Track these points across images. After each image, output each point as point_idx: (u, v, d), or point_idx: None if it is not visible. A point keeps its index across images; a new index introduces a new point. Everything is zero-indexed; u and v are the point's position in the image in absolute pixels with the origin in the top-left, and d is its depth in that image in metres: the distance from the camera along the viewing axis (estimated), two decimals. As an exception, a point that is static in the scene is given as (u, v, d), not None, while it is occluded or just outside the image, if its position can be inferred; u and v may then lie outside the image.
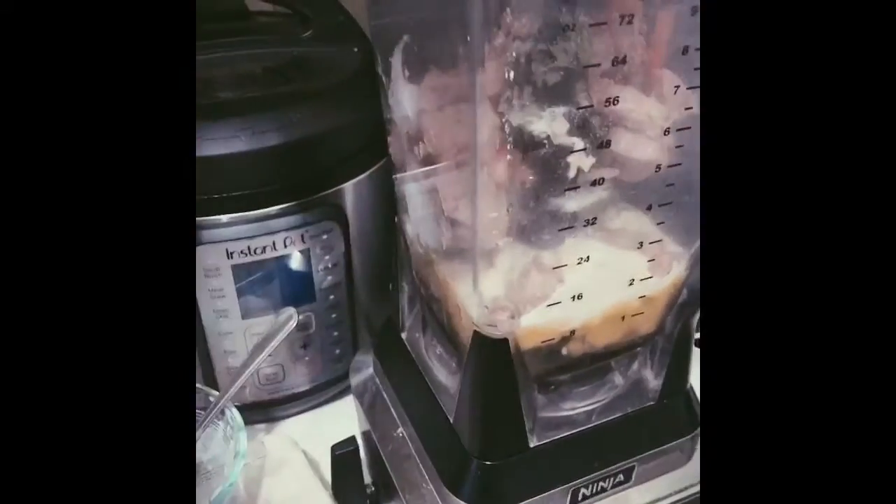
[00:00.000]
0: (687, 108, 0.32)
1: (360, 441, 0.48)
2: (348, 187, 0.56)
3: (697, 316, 0.39)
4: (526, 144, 0.30)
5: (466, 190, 0.32)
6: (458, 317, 0.38)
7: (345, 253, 0.56)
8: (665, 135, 0.32)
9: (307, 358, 0.59)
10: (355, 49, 0.58)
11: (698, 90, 0.31)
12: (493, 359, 0.36)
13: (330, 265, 0.56)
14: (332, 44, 0.60)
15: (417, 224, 0.41)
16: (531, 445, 0.38)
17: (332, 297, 0.57)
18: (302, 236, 0.53)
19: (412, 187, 0.40)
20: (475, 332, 0.35)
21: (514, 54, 0.28)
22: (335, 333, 0.59)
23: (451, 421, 0.40)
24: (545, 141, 0.30)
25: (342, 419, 0.57)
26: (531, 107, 0.29)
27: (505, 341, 0.35)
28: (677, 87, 0.31)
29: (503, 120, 0.29)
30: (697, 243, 0.37)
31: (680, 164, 0.33)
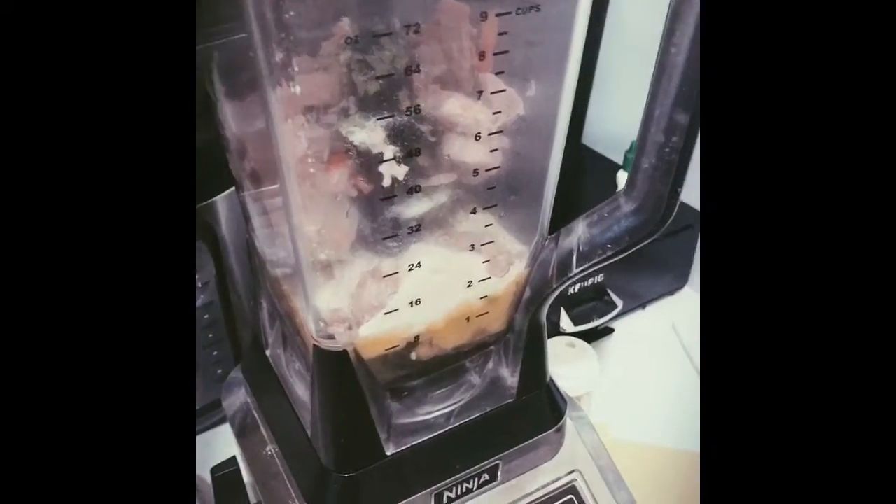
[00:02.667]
0: (508, 112, 0.32)
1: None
2: (220, 200, 0.55)
3: (545, 310, 0.40)
4: (333, 155, 0.29)
5: (284, 206, 0.31)
6: (303, 331, 0.37)
7: (217, 271, 0.55)
8: (490, 136, 0.32)
9: (187, 380, 0.57)
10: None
11: (521, 94, 0.31)
12: (334, 371, 0.35)
13: (200, 284, 0.54)
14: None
15: (262, 240, 0.40)
16: (389, 453, 0.38)
17: (206, 316, 0.56)
18: (164, 257, 0.51)
19: (251, 205, 0.39)
20: (314, 345, 0.35)
21: (324, 64, 0.27)
22: (214, 353, 0.58)
23: (310, 436, 0.40)
24: (354, 151, 0.30)
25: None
26: (352, 117, 0.29)
27: (344, 353, 0.35)
28: (502, 90, 0.32)
29: (306, 134, 0.28)
30: (535, 239, 0.37)
31: (499, 167, 0.33)
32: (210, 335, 0.57)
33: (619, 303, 0.66)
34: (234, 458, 0.49)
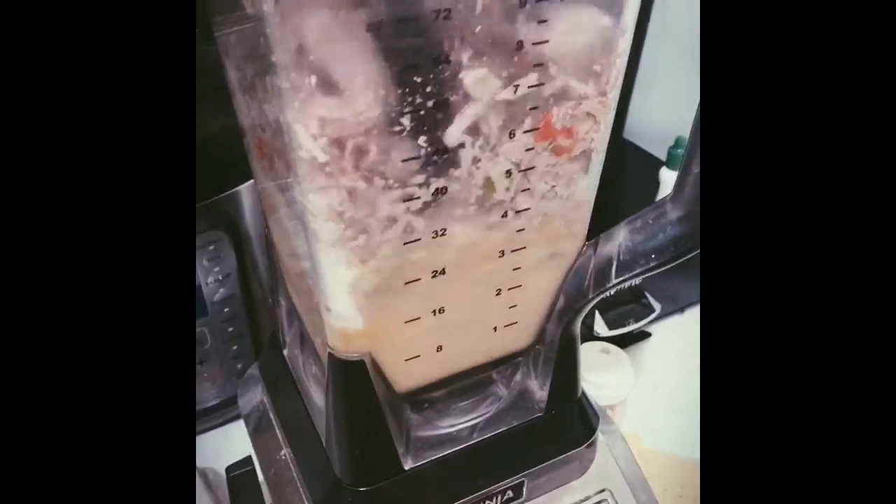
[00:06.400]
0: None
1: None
2: (244, 190, 0.53)
3: (579, 321, 0.37)
4: (347, 151, 0.27)
5: (299, 202, 0.29)
6: (318, 336, 0.35)
7: (238, 263, 0.53)
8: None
9: (205, 374, 0.56)
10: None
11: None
12: (350, 381, 0.33)
13: (220, 277, 0.53)
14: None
15: (279, 236, 0.38)
16: (407, 468, 0.36)
17: (226, 309, 0.54)
18: (184, 248, 0.50)
19: (266, 198, 0.37)
20: (329, 353, 0.33)
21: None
22: (234, 347, 0.56)
23: (324, 445, 0.38)
24: (374, 146, 0.27)
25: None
26: (371, 110, 0.27)
27: (361, 362, 0.32)
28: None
29: (320, 130, 0.26)
30: (574, 247, 0.34)
31: (534, 167, 0.30)
32: (230, 329, 0.55)
33: (657, 306, 0.63)
34: (249, 457, 0.48)
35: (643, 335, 0.66)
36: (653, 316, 0.63)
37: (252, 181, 0.53)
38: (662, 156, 0.72)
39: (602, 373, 0.54)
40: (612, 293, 0.60)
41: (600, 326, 0.61)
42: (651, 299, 0.63)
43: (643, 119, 0.80)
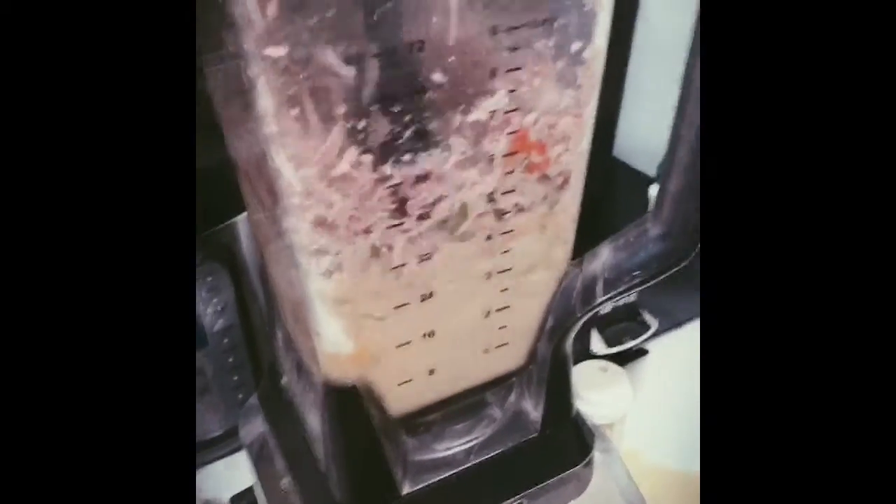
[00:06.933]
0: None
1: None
2: (240, 221, 0.54)
3: (570, 340, 0.37)
4: (332, 181, 0.28)
5: (286, 233, 0.30)
6: (313, 363, 0.36)
7: (236, 293, 0.54)
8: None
9: (208, 404, 0.56)
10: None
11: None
12: (344, 406, 0.34)
13: (219, 307, 0.53)
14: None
15: (273, 267, 0.39)
16: (404, 492, 0.36)
17: (226, 340, 0.55)
18: (181, 281, 0.50)
19: (259, 230, 0.38)
20: (323, 380, 0.33)
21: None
22: (235, 378, 0.57)
23: (324, 471, 0.38)
24: (359, 174, 0.28)
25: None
26: (354, 145, 0.28)
27: (354, 388, 0.33)
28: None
29: (298, 165, 0.27)
30: (560, 267, 0.35)
31: (513, 190, 0.31)
32: (230, 359, 0.56)
33: (654, 323, 0.63)
34: (251, 488, 0.48)
35: (641, 352, 0.66)
36: (649, 333, 0.63)
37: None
38: (652, 172, 0.73)
39: (601, 391, 0.54)
40: (602, 310, 0.60)
41: (597, 345, 0.61)
42: (647, 316, 0.63)
43: (632, 136, 0.81)
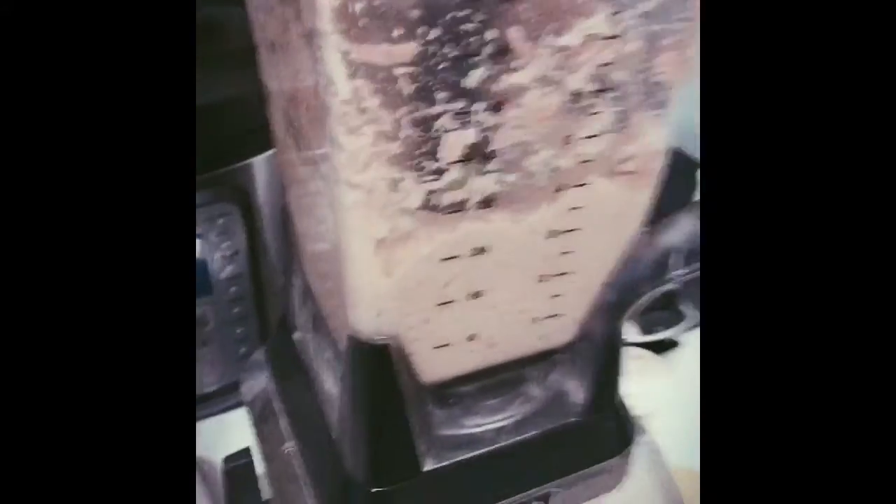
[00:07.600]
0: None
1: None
2: (258, 163, 0.49)
3: (625, 319, 0.33)
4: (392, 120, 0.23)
5: (332, 171, 0.25)
6: (336, 316, 0.32)
7: (248, 240, 0.50)
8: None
9: (206, 358, 0.52)
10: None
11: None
12: (372, 368, 0.29)
13: (229, 253, 0.49)
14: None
15: (301, 210, 0.34)
16: (426, 469, 0.32)
17: (233, 289, 0.51)
18: (191, 219, 0.46)
19: (291, 169, 0.33)
20: (350, 336, 0.29)
21: None
22: (239, 330, 0.53)
23: (335, 438, 0.34)
24: (416, 115, 0.23)
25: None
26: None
27: (386, 347, 0.29)
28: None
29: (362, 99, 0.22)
30: (625, 234, 0.31)
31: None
32: (235, 310, 0.51)
33: (695, 315, 0.59)
34: (247, 449, 0.44)
35: (671, 344, 0.62)
36: (687, 324, 0.59)
37: (267, 154, 0.49)
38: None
39: (636, 379, 0.50)
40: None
41: (629, 331, 0.57)
42: (689, 307, 0.59)
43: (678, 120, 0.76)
